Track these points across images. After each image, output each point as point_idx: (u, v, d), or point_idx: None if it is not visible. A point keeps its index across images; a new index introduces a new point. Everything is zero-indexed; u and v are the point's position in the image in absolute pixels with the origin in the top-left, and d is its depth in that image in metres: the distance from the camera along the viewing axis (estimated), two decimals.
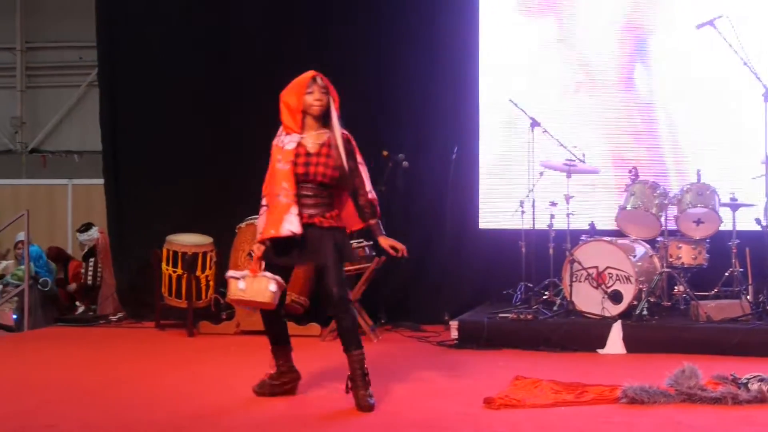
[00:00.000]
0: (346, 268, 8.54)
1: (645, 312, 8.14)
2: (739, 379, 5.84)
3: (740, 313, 8.15)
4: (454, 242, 9.76)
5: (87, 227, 11.09)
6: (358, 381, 5.70)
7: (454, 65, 10.00)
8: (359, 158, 5.96)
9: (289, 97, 5.81)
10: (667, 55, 9.51)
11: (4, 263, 10.98)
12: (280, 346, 6.17)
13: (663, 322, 8.15)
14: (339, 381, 6.43)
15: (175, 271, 9.17)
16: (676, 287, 8.63)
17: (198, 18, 10.45)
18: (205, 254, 9.25)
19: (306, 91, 5.76)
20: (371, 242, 8.79)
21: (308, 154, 5.76)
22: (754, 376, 5.80)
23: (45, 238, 12.00)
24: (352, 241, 8.62)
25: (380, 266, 8.83)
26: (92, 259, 10.36)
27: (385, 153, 9.29)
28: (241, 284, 5.68)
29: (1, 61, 15.39)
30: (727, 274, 8.55)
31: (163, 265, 9.23)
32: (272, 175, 5.80)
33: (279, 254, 5.78)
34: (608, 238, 8.50)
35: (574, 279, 8.37)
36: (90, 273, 10.33)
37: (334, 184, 5.84)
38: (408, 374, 6.92)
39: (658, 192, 8.69)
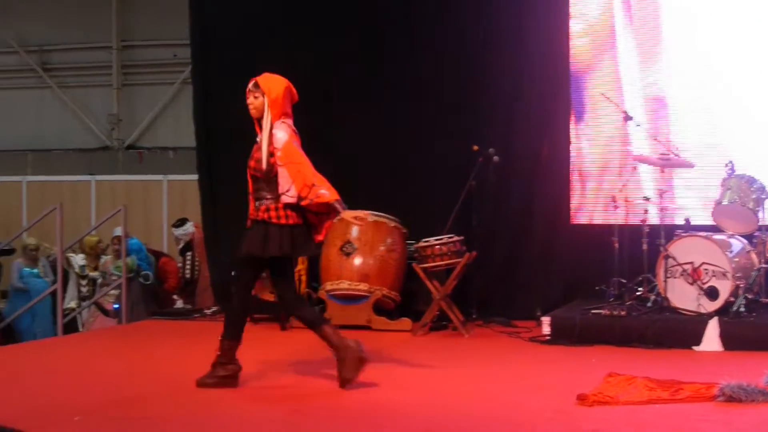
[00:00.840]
0: (437, 263, 8.64)
1: (742, 309, 7.98)
2: None
3: None
4: (546, 237, 9.69)
5: (182, 222, 11.26)
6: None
7: (545, 57, 9.91)
8: (288, 158, 6.28)
9: (276, 98, 6.49)
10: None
11: (104, 258, 11.21)
12: (233, 341, 6.33)
13: (761, 319, 7.97)
14: (426, 374, 6.46)
15: None
16: None
17: (292, 14, 10.52)
18: None
19: (283, 97, 6.44)
20: (462, 237, 8.80)
21: (256, 151, 6.36)
22: None
23: (141, 233, 12.21)
24: (442, 236, 8.67)
25: (471, 261, 8.81)
26: (189, 254, 10.52)
27: (475, 147, 9.26)
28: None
29: (98, 59, 15.72)
30: None
31: None
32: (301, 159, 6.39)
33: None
34: (704, 234, 8.34)
35: (668, 275, 8.23)
36: (188, 267, 10.50)
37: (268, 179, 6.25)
38: (499, 370, 6.91)
39: (755, 186, 8.50)
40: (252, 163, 6.32)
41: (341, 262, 9.15)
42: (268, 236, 6.18)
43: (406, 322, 8.95)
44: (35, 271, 11.78)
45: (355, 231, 9.20)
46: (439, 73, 10.08)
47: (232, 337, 6.25)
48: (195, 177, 11.06)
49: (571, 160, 9.79)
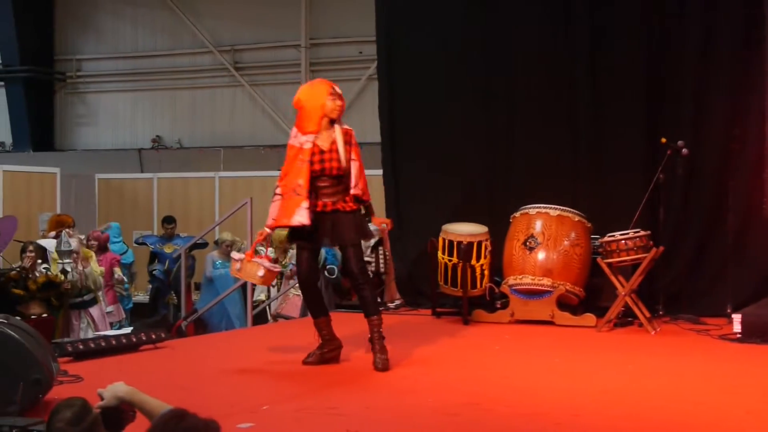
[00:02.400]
0: (623, 258, 8.48)
1: None
2: None
3: None
4: (737, 231, 9.35)
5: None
6: (376, 344, 6.64)
7: (736, 41, 9.55)
8: (354, 155, 6.81)
9: (312, 101, 6.70)
10: None
11: (291, 252, 11.46)
12: (320, 318, 6.93)
13: None
14: (612, 371, 6.36)
15: (450, 260, 9.29)
16: None
17: (478, 12, 10.53)
18: (480, 243, 9.32)
19: (327, 98, 6.66)
20: (648, 232, 8.60)
21: (322, 152, 6.63)
22: None
23: None
24: (628, 231, 8.51)
25: (658, 256, 8.60)
26: (380, 248, 10.69)
27: (663, 140, 9.05)
28: (237, 266, 6.87)
29: (288, 57, 16.17)
30: None
31: (439, 254, 9.38)
32: (289, 171, 6.67)
33: (308, 238, 6.73)
34: None
35: None
36: (381, 261, 10.64)
37: (345, 175, 6.72)
38: (687, 368, 6.74)
39: None
40: (328, 165, 6.66)
41: (524, 256, 9.10)
42: (358, 223, 6.81)
43: (590, 318, 8.82)
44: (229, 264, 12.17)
45: (538, 225, 9.13)
46: (626, 66, 9.87)
47: (377, 312, 6.81)
48: (379, 172, 11.21)
49: (766, 152, 9.40)
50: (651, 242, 8.57)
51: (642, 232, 8.54)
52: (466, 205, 10.12)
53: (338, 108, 6.73)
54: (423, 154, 10.73)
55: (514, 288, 9.10)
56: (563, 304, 9.05)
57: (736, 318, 8.01)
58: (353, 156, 6.77)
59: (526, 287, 9.04)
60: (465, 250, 9.23)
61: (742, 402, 5.52)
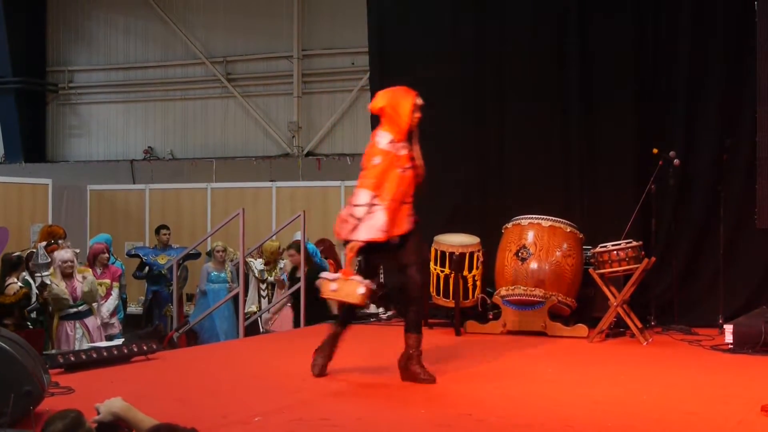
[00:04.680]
0: (615, 269, 8.49)
1: None
2: None
3: None
4: (729, 242, 9.37)
5: None
6: (414, 359, 6.48)
7: (728, 54, 9.59)
8: None
9: (403, 108, 6.49)
10: None
11: (282, 263, 11.48)
12: (343, 328, 6.77)
13: None
14: (603, 382, 6.37)
15: (442, 271, 9.30)
16: None
17: (470, 25, 10.56)
18: (472, 254, 9.33)
19: (413, 110, 6.48)
20: (640, 242, 8.62)
21: (412, 159, 6.50)
22: None
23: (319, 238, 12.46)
24: (620, 242, 8.53)
25: (650, 267, 8.61)
26: None
27: (655, 150, 9.09)
28: (333, 285, 6.37)
29: (280, 68, 16.18)
30: None
31: (431, 265, 9.38)
32: (386, 178, 6.35)
33: (390, 252, 6.43)
34: None
35: None
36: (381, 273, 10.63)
37: None
38: (679, 379, 6.75)
39: None
40: (420, 171, 6.55)
41: (516, 267, 9.11)
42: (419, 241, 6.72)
43: (582, 329, 8.83)
44: (223, 275, 12.16)
45: (530, 236, 9.15)
46: (614, 75, 9.91)
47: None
48: None
49: (757, 162, 9.43)
50: (643, 253, 8.58)
51: (634, 243, 8.56)
52: (458, 216, 10.14)
53: (417, 120, 6.53)
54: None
55: (506, 299, 9.11)
56: (555, 314, 9.06)
57: (728, 329, 8.02)
58: None
59: (519, 298, 9.04)
60: (457, 261, 9.24)
61: (733, 412, 5.52)
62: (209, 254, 12.46)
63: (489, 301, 9.38)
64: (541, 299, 8.95)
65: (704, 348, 8.11)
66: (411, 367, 6.48)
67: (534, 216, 9.23)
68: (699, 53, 9.70)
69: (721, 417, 5.43)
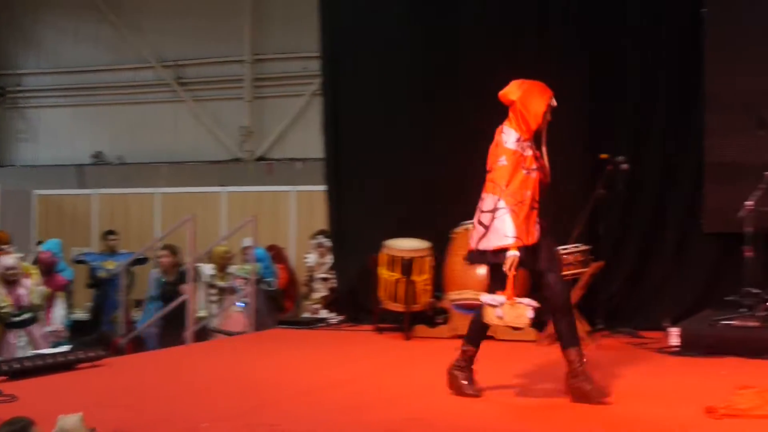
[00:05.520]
0: (563, 273, 8.52)
1: None
2: None
3: None
4: (676, 246, 9.48)
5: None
6: (580, 376, 5.85)
7: (676, 62, 9.70)
8: None
9: (535, 107, 5.99)
10: None
11: (231, 268, 11.41)
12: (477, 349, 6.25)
13: None
14: (547, 385, 6.39)
15: (392, 276, 9.30)
16: None
17: (422, 33, 10.58)
18: (422, 259, 9.35)
19: (546, 110, 6.02)
20: (589, 246, 8.68)
21: (538, 159, 5.99)
22: None
23: (267, 244, 12.42)
24: (568, 246, 8.58)
25: (598, 271, 8.68)
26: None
27: (604, 155, 9.13)
28: (499, 312, 5.74)
29: (231, 72, 16.07)
30: None
31: (382, 270, 9.38)
32: (516, 179, 5.84)
33: (530, 259, 5.84)
34: None
35: None
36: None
37: None
38: (626, 381, 6.79)
39: None
40: (547, 174, 6.10)
41: (465, 271, 9.12)
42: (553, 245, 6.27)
43: (530, 332, 8.84)
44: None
45: None
46: (565, 79, 9.95)
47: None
48: (323, 188, 11.21)
49: (704, 168, 9.55)
50: (591, 257, 8.65)
51: (582, 247, 8.62)
52: (408, 221, 10.15)
53: (547, 122, 6.07)
54: (366, 171, 10.75)
55: (455, 303, 9.13)
56: None
57: (674, 331, 8.10)
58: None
59: (468, 302, 9.04)
60: (407, 266, 9.25)
61: (678, 414, 5.56)
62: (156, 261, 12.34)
63: (438, 306, 9.40)
64: None
65: (651, 350, 8.19)
66: (579, 385, 5.83)
67: None
68: (648, 59, 9.80)
69: (666, 418, 5.47)
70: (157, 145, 16.53)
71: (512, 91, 6.07)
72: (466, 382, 6.08)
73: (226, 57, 16.19)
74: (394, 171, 10.54)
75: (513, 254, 5.67)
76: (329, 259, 10.98)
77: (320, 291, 10.82)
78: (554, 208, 9.70)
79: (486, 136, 10.12)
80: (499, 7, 10.34)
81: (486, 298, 5.87)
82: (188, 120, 16.40)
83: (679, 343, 7.98)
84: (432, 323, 9.40)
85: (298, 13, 14.67)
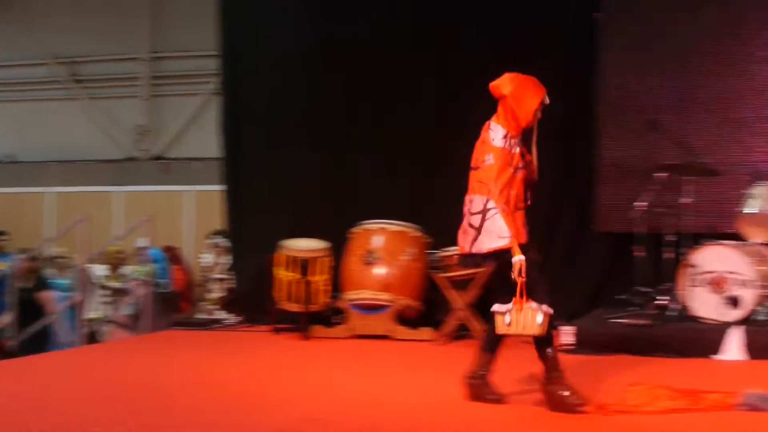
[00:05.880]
0: (459, 273, 8.62)
1: (765, 317, 7.92)
2: None
3: None
4: (569, 246, 9.63)
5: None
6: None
7: (572, 64, 9.86)
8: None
9: (528, 103, 5.74)
10: None
11: (125, 268, 11.25)
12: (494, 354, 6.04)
13: None
14: (442, 383, 6.43)
15: (290, 276, 9.27)
16: None
17: (315, 25, 10.58)
18: (320, 259, 9.33)
19: (537, 108, 5.76)
20: None
21: (524, 156, 5.77)
22: None
23: (163, 244, 12.27)
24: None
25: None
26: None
27: None
28: (507, 318, 5.55)
29: (128, 70, 15.83)
30: None
31: (279, 270, 9.34)
32: (502, 177, 5.60)
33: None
34: (727, 242, 8.28)
35: (691, 284, 8.18)
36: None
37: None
38: (520, 379, 6.85)
39: None
40: (534, 172, 5.83)
41: (363, 271, 9.15)
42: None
43: (427, 332, 8.92)
44: (64, 282, 11.81)
45: (377, 241, 9.21)
46: (461, 80, 10.06)
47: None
48: (220, 187, 11.12)
49: (596, 168, 9.72)
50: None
51: None
52: (306, 221, 10.11)
53: (537, 120, 5.78)
54: (264, 170, 10.69)
55: (353, 303, 9.14)
56: (402, 318, 9.13)
57: (567, 330, 8.22)
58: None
59: (365, 302, 9.08)
60: (305, 266, 9.23)
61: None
62: (51, 261, 12.09)
63: (336, 306, 9.39)
64: (387, 303, 9.01)
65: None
66: (556, 392, 5.68)
67: (381, 221, 9.31)
68: (542, 60, 9.93)
69: (558, 416, 5.54)
70: (49, 143, 16.18)
71: (504, 84, 5.80)
72: (487, 389, 5.87)
73: (123, 54, 15.94)
74: (293, 171, 10.51)
75: (519, 259, 5.47)
76: (226, 259, 10.88)
77: (216, 292, 10.72)
78: (451, 209, 9.88)
79: (384, 136, 10.28)
80: (399, 7, 10.36)
81: (496, 307, 5.63)
82: (83, 118, 16.09)
83: (573, 342, 8.11)
84: (329, 323, 9.40)
85: (197, 11, 14.50)
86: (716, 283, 8.07)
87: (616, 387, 6.09)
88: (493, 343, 5.95)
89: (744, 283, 7.95)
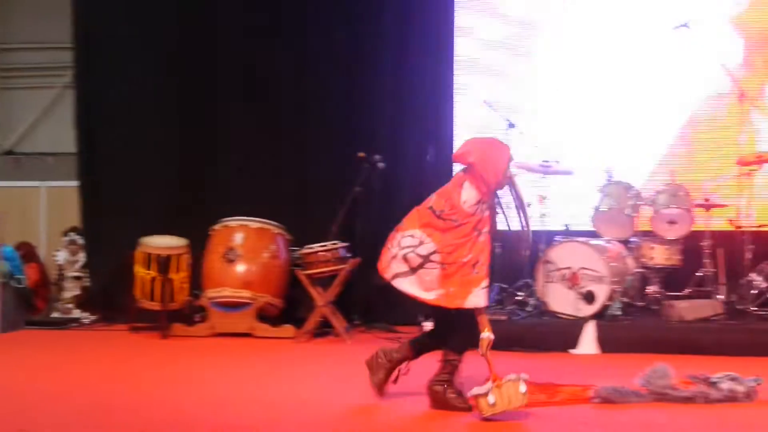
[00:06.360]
0: (321, 270, 8.65)
1: (618, 312, 8.19)
2: (711, 378, 5.86)
3: (712, 313, 8.22)
4: None
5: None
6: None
7: (429, 66, 10.02)
8: None
9: (495, 166, 5.58)
10: (642, 55, 9.53)
11: None
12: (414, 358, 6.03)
13: (636, 322, 8.21)
14: (302, 381, 6.44)
15: (148, 274, 9.12)
16: (649, 287, 8.69)
17: (173, 19, 10.44)
18: (179, 256, 9.21)
19: (506, 167, 5.63)
20: (346, 244, 8.82)
21: (492, 218, 5.73)
22: (725, 376, 5.83)
23: (16, 242, 11.90)
24: (326, 243, 8.70)
25: (355, 267, 8.83)
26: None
27: (361, 154, 9.31)
28: (491, 399, 5.31)
29: None
30: (699, 274, 8.62)
31: (137, 268, 9.19)
32: (458, 240, 5.60)
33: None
34: (582, 239, 8.53)
35: (547, 280, 8.39)
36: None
37: None
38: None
39: (631, 193, 8.76)
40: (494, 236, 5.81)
41: (224, 268, 9.08)
42: None
43: (289, 329, 8.91)
44: None
45: (238, 238, 9.16)
46: (325, 81, 10.09)
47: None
48: (75, 183, 10.86)
49: (456, 166, 9.85)
50: (348, 254, 8.79)
51: (339, 244, 8.76)
52: (165, 218, 9.96)
53: (509, 179, 5.67)
54: (121, 165, 10.49)
55: (213, 301, 9.06)
56: (263, 315, 9.10)
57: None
58: None
59: (226, 300, 9.01)
60: (163, 263, 9.10)
61: (426, 406, 5.71)
62: None
63: (196, 304, 9.30)
64: (248, 301, 8.97)
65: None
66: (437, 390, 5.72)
67: (242, 218, 9.25)
68: (403, 59, 10.05)
69: (416, 412, 5.62)
70: None
71: (467, 152, 5.68)
72: (453, 395, 5.70)
73: None
74: (150, 166, 10.35)
75: (487, 336, 5.49)
76: (81, 257, 10.62)
77: (72, 290, 10.45)
78: (312, 206, 9.91)
79: (243, 133, 10.21)
80: (256, 6, 10.31)
81: (475, 391, 5.39)
82: None
83: None
84: (190, 321, 9.28)
85: (49, 2, 14.13)
86: (571, 280, 8.30)
87: (474, 381, 6.11)
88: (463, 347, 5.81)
89: (597, 279, 8.20)
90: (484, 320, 5.55)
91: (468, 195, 5.61)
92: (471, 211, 5.59)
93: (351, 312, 9.33)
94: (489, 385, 5.34)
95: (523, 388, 5.32)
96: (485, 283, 5.58)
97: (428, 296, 5.62)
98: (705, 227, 8.61)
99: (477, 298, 5.53)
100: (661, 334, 7.84)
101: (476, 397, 5.35)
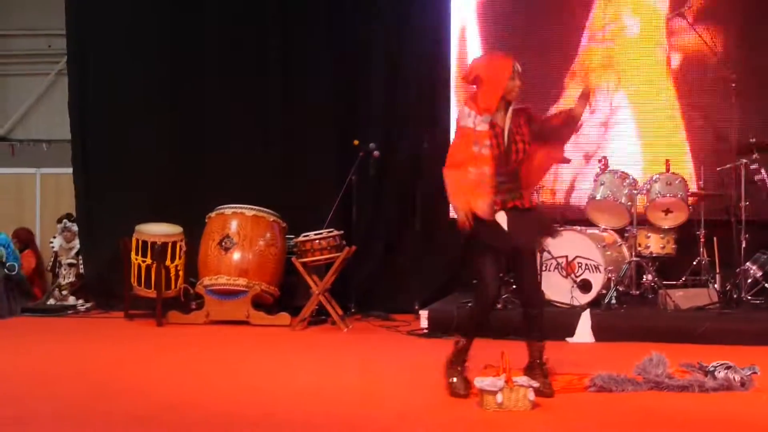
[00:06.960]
0: (317, 257, 8.65)
1: (614, 301, 8.20)
2: (706, 367, 5.88)
3: (707, 301, 8.24)
4: (425, 232, 9.75)
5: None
6: (538, 369, 5.74)
7: (426, 55, 10.01)
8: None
9: (491, 78, 5.59)
10: (635, 43, 9.53)
11: None
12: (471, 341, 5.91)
13: (631, 311, 8.23)
14: (301, 369, 6.44)
15: (144, 261, 9.12)
16: (644, 276, 8.70)
17: (165, 7, 10.42)
18: (174, 244, 9.21)
19: (510, 76, 5.59)
20: (342, 232, 8.82)
21: (503, 132, 5.62)
22: (721, 364, 5.85)
23: (12, 228, 11.89)
24: (322, 231, 8.69)
25: (350, 255, 8.83)
26: None
27: (356, 142, 9.33)
28: (499, 398, 5.26)
29: None
30: (695, 263, 8.64)
31: (133, 255, 9.18)
32: (458, 154, 5.63)
33: (492, 237, 5.58)
34: (578, 228, 8.54)
35: (543, 268, 8.39)
36: None
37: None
38: (378, 364, 6.93)
39: (627, 182, 8.76)
40: (520, 146, 5.66)
41: (220, 256, 9.07)
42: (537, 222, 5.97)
43: (284, 317, 8.91)
44: None
45: (234, 225, 9.15)
46: (319, 68, 10.07)
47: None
48: (69, 170, 10.84)
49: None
50: (344, 242, 8.80)
51: (335, 232, 8.75)
52: (160, 205, 9.96)
53: (516, 89, 5.61)
54: (115, 152, 10.47)
55: (209, 288, 9.05)
56: (259, 303, 9.10)
57: (423, 314, 8.36)
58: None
59: (222, 287, 9.01)
60: (159, 251, 9.10)
61: (427, 394, 5.72)
62: None
63: (192, 291, 9.29)
64: (244, 288, 8.96)
65: (401, 333, 8.40)
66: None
67: (237, 205, 9.24)
68: (399, 44, 10.04)
69: (413, 400, 5.62)
70: None
71: (470, 70, 5.71)
72: (454, 380, 5.71)
73: None
74: (145, 154, 10.33)
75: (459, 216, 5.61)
76: (76, 243, 10.61)
77: (67, 277, 10.44)
78: (307, 194, 9.91)
79: (235, 122, 10.19)
80: (245, 2, 10.30)
81: (483, 383, 5.35)
82: None
83: (427, 326, 8.23)
84: (185, 309, 9.28)
85: None
86: (567, 268, 8.31)
87: (471, 370, 6.13)
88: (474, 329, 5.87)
89: (593, 268, 8.21)
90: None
91: (461, 112, 5.69)
92: (462, 124, 5.63)
93: (347, 300, 9.33)
94: (501, 383, 5.28)
95: (531, 395, 5.28)
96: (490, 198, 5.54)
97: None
98: (700, 216, 8.62)
99: (484, 206, 5.54)
100: (656, 323, 7.85)
101: (484, 391, 5.32)
